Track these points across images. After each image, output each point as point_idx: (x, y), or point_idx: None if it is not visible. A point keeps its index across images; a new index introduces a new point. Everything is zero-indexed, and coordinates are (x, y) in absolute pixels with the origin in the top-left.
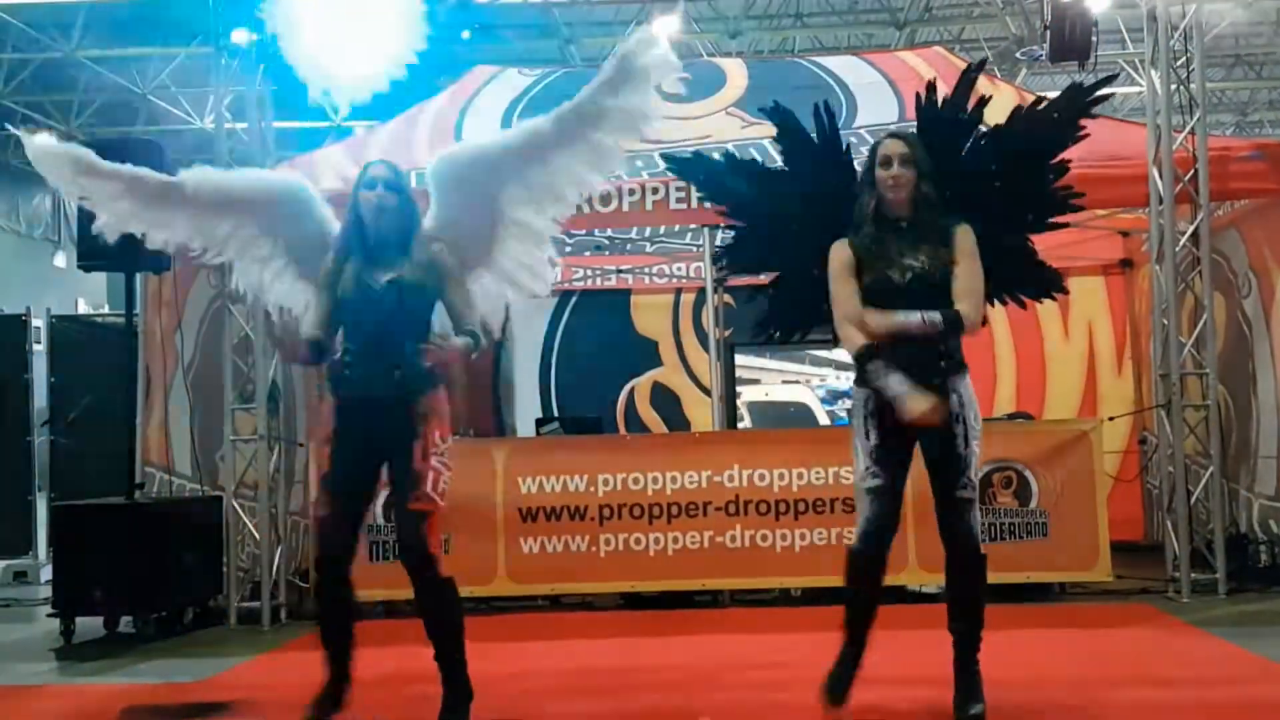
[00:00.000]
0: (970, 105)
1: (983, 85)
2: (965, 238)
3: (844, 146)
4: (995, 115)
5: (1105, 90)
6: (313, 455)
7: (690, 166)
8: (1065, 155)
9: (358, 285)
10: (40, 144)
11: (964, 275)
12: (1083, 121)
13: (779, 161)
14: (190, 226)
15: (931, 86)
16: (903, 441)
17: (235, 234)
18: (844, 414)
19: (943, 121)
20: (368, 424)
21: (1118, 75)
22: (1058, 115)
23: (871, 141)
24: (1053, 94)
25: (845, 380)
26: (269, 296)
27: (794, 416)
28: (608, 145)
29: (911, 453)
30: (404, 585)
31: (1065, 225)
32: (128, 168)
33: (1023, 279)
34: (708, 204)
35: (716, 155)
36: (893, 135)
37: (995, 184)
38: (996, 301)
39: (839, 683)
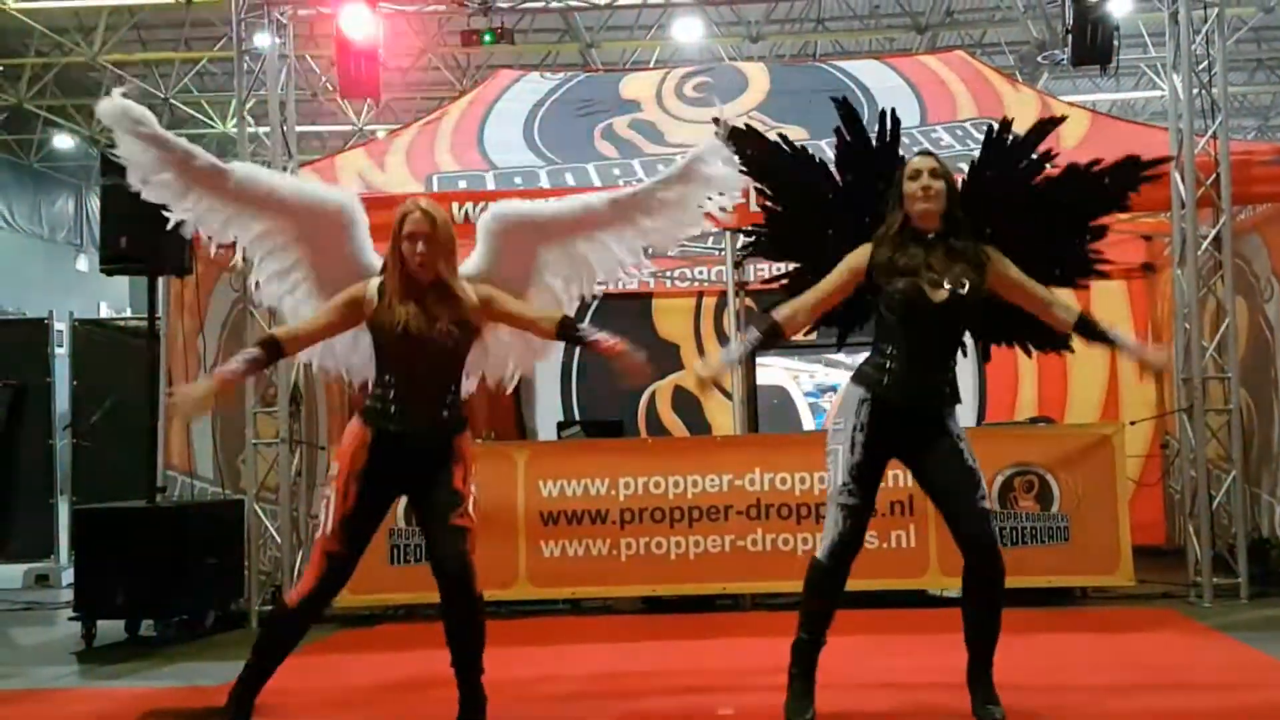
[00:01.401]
0: (1036, 153)
1: (1006, 95)
2: (1001, 260)
3: (899, 157)
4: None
5: (1158, 169)
6: (333, 487)
7: (743, 137)
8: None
9: (407, 330)
10: (114, 100)
11: (1030, 287)
12: (1103, 124)
13: (829, 155)
14: (224, 216)
15: (1006, 125)
16: (882, 462)
17: (266, 237)
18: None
19: (1006, 161)
20: (404, 461)
21: (1172, 160)
22: (1109, 182)
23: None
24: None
25: (834, 375)
26: (279, 304)
27: (775, 406)
28: (652, 237)
29: (883, 473)
30: (424, 589)
31: (1086, 287)
32: (183, 141)
33: (1034, 331)
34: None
35: (772, 135)
36: (922, 153)
37: (1033, 234)
38: (1003, 345)
39: (803, 701)
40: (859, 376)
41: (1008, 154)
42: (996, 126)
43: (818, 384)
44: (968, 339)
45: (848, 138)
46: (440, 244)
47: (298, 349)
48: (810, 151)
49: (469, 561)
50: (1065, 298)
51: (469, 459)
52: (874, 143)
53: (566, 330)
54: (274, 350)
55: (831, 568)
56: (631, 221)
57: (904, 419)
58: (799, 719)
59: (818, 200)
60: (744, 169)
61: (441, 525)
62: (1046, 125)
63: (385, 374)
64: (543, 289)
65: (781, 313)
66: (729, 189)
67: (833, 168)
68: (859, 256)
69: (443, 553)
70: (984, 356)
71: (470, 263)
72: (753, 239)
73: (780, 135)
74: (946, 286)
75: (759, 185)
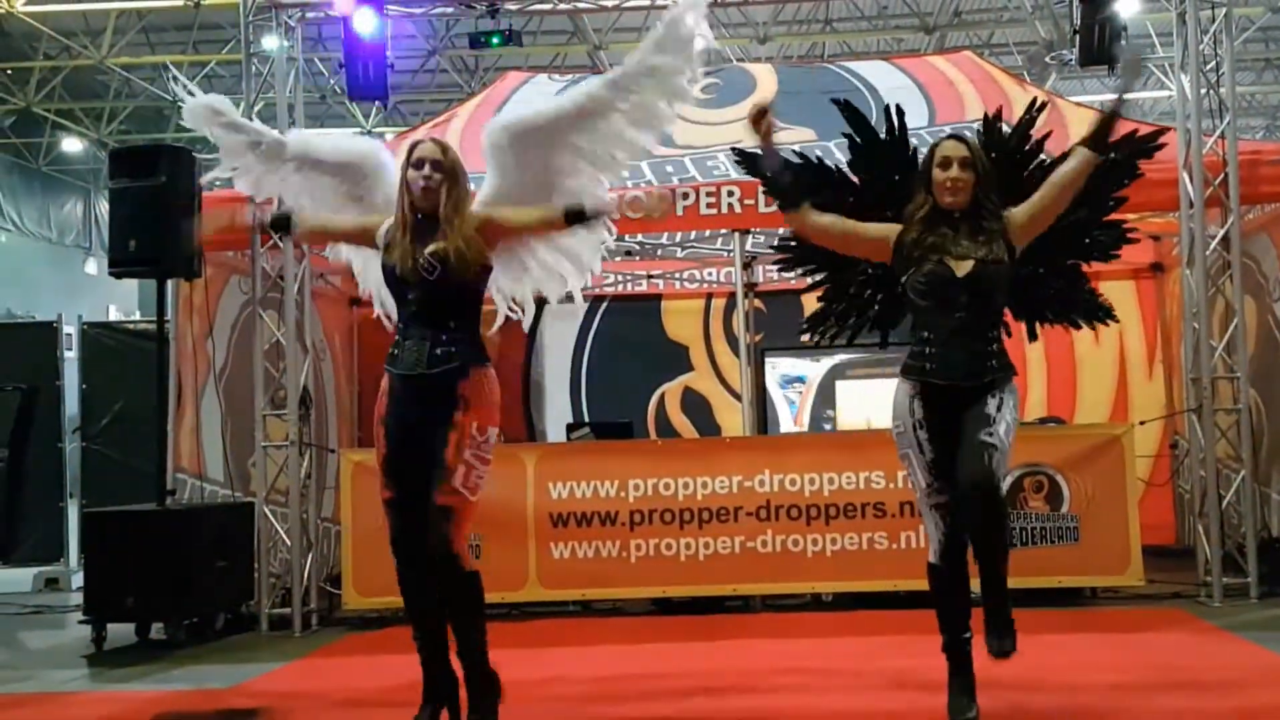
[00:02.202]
0: (1034, 136)
1: (1014, 95)
2: (1021, 208)
3: (911, 149)
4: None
5: (1161, 141)
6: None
7: (759, 163)
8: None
9: (403, 262)
10: (194, 99)
11: (1046, 187)
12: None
13: (840, 157)
14: (280, 178)
15: (997, 114)
16: (954, 445)
17: (316, 191)
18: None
19: (1005, 150)
20: (414, 402)
21: (1166, 131)
22: (1117, 155)
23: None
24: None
25: (800, 366)
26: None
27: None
28: (657, 105)
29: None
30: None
31: (1115, 256)
32: (253, 124)
33: (1075, 306)
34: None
35: (789, 154)
36: (953, 137)
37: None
38: (1045, 323)
39: (961, 699)
40: (904, 371)
41: (1004, 141)
42: (989, 116)
43: (782, 375)
44: (1011, 320)
45: (857, 139)
46: (446, 171)
47: (308, 235)
48: (821, 160)
49: (449, 543)
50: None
51: (483, 404)
52: (884, 138)
53: (574, 216)
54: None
55: (946, 568)
56: (630, 98)
57: (955, 398)
58: (960, 717)
59: (837, 206)
60: (765, 191)
61: (427, 503)
62: (1034, 109)
63: (397, 318)
64: (565, 194)
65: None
66: (703, 32)
67: (847, 171)
68: (891, 229)
69: (426, 536)
70: (1030, 336)
71: (485, 188)
72: (783, 254)
73: (797, 153)
74: (971, 258)
75: (781, 207)
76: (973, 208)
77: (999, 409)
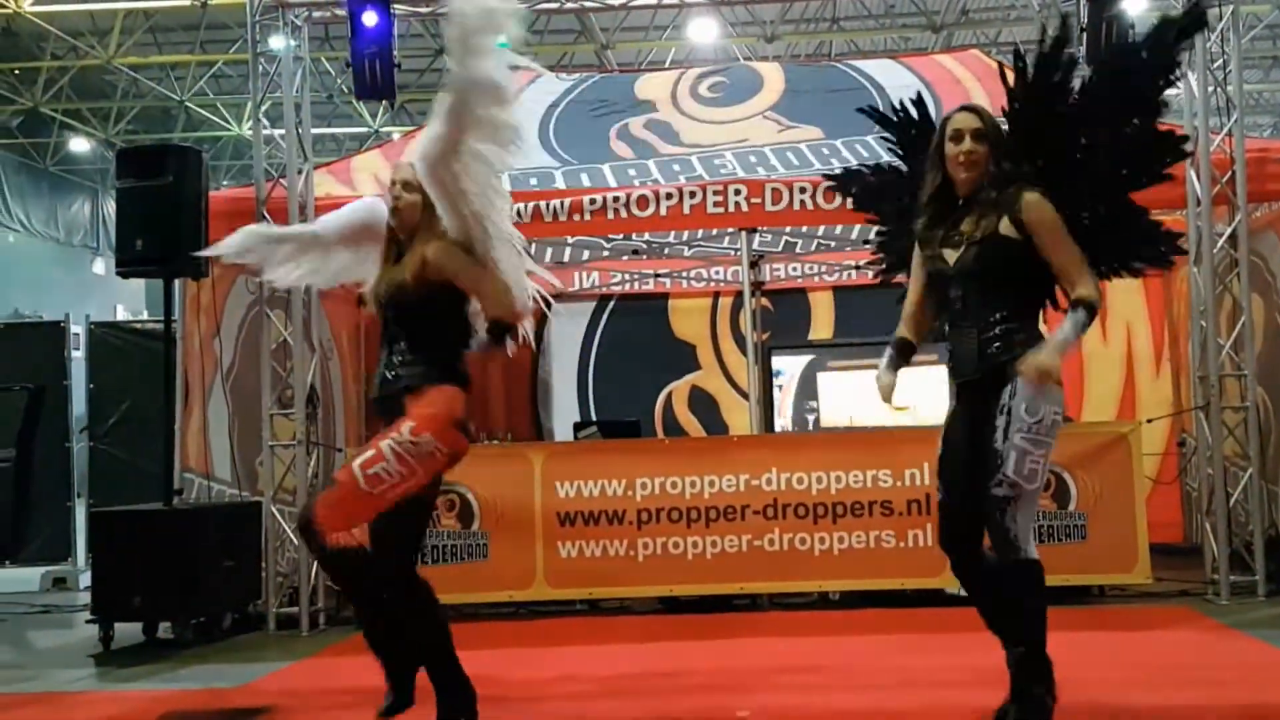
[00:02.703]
0: (1063, 65)
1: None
2: (1037, 208)
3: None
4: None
5: (1195, 14)
6: None
7: (845, 182)
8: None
9: (374, 287)
10: (231, 244)
11: (1054, 250)
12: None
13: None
14: (296, 263)
15: (1019, 54)
16: (964, 440)
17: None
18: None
19: (1035, 89)
20: (379, 424)
21: (1209, 8)
22: (1146, 55)
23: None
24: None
25: (777, 362)
26: None
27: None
28: (495, 118)
29: None
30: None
31: (1169, 177)
32: (291, 229)
33: (1138, 245)
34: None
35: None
36: (965, 108)
37: (1091, 143)
38: (1111, 275)
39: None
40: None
41: (1034, 84)
42: (1010, 66)
43: None
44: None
45: (895, 132)
46: (418, 190)
47: None
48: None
49: (313, 511)
50: (1077, 273)
51: (424, 415)
52: (916, 126)
53: (495, 329)
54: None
55: (953, 566)
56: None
57: (972, 392)
58: None
59: (900, 203)
60: (853, 207)
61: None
62: (1066, 26)
63: None
64: (484, 224)
65: (901, 330)
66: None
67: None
68: (918, 250)
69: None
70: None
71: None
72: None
73: (875, 164)
74: (963, 244)
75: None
76: (984, 190)
77: (1008, 412)
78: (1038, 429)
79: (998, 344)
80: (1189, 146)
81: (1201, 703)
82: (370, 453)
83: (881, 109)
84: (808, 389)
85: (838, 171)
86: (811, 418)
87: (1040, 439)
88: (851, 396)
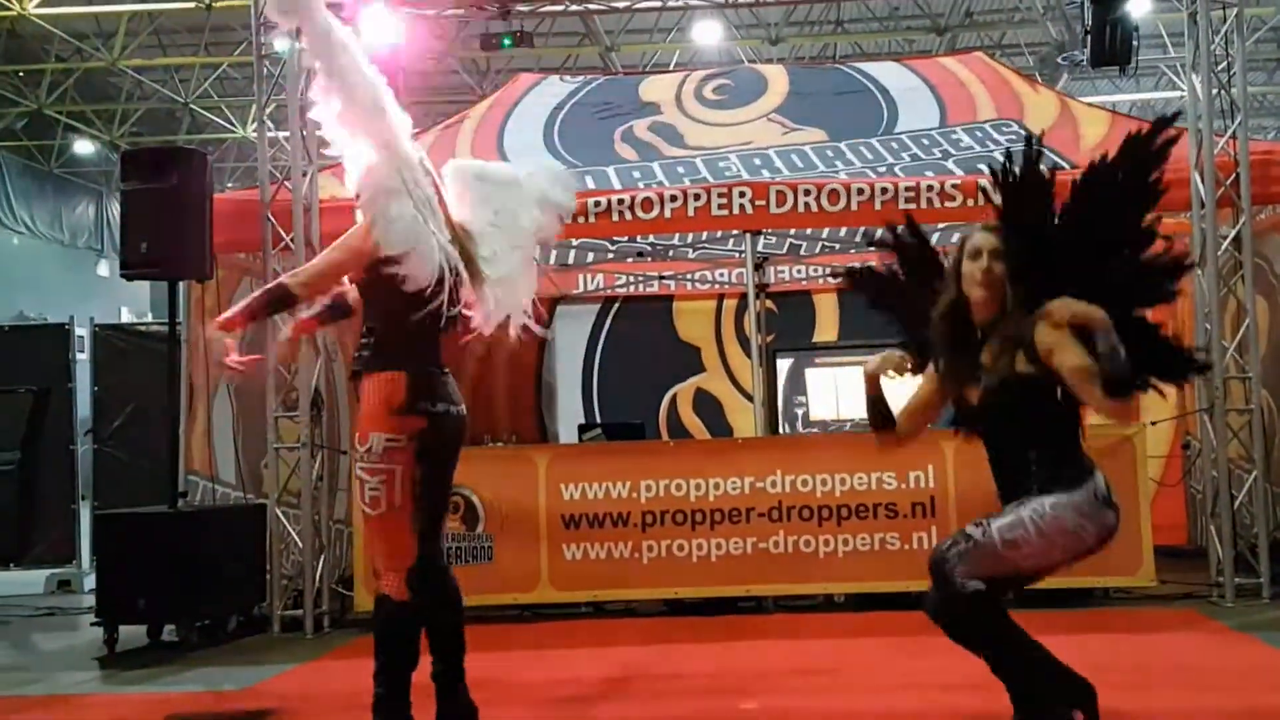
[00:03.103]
0: (1040, 183)
1: (1025, 96)
2: (1048, 330)
3: (937, 254)
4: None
5: (1167, 135)
6: None
7: (858, 281)
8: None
9: None
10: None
11: (1065, 359)
12: (1123, 125)
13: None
14: None
15: (1000, 172)
16: None
17: None
18: None
19: (1020, 210)
20: None
21: (1175, 117)
22: (1122, 175)
23: (914, 148)
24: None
25: None
26: None
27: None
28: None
29: None
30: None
31: (1175, 296)
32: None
33: (1153, 362)
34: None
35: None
36: (985, 228)
37: (1087, 263)
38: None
39: None
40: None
41: (1022, 199)
42: (995, 184)
43: None
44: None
45: (895, 254)
46: None
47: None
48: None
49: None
50: (1086, 382)
51: (369, 413)
52: (915, 247)
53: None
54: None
55: None
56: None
57: None
58: None
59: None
60: (869, 306)
61: None
62: (1034, 144)
63: None
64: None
65: (898, 414)
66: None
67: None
68: (930, 373)
69: None
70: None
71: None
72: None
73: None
74: (983, 383)
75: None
76: (999, 318)
77: (1035, 493)
78: (1050, 520)
79: (1032, 484)
80: (1191, 260)
81: (1206, 705)
82: (357, 485)
83: (878, 235)
84: (796, 385)
85: (852, 267)
86: (800, 412)
87: (1045, 529)
88: (838, 391)
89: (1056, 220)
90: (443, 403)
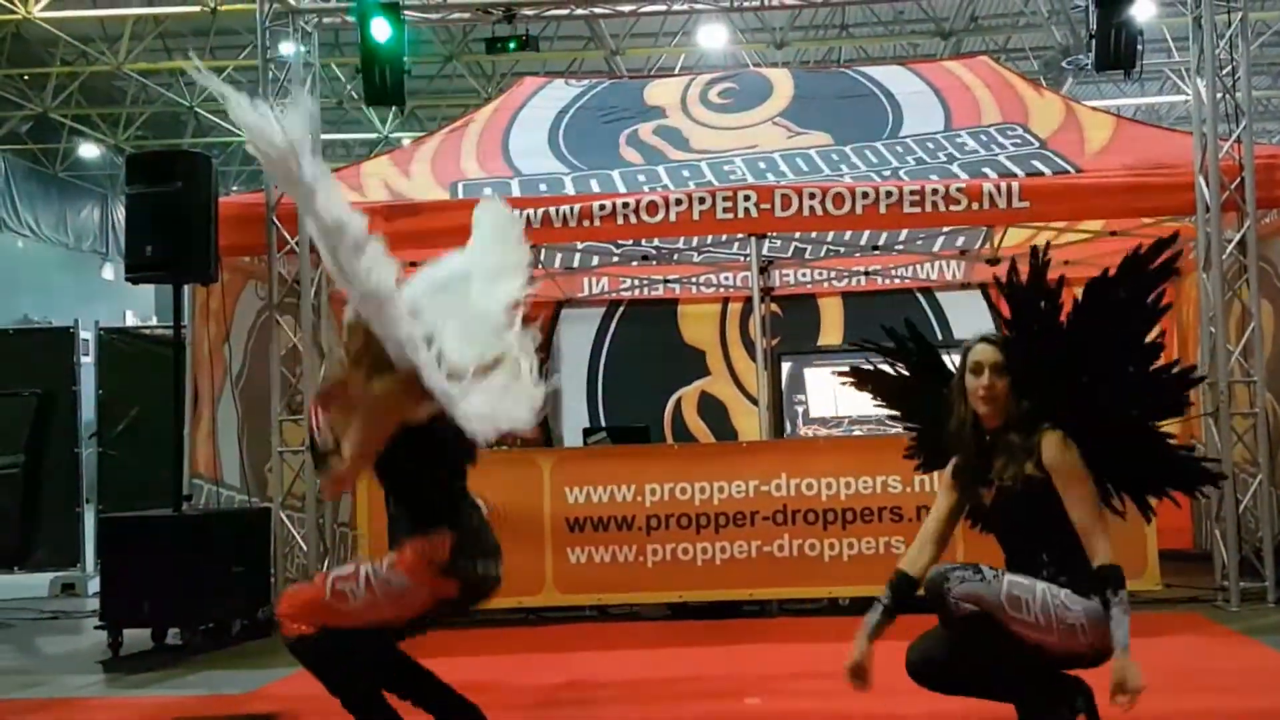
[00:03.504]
0: (1049, 291)
1: (1030, 100)
2: (1056, 451)
3: (940, 360)
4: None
5: (1166, 255)
6: None
7: (864, 379)
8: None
9: None
10: None
11: (1070, 501)
12: (1127, 129)
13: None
14: None
15: (1012, 276)
16: None
17: None
18: None
19: (1029, 317)
20: None
21: (1175, 238)
22: (1124, 295)
23: (919, 152)
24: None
25: None
26: None
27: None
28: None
29: None
30: None
31: (1186, 408)
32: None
33: (1164, 474)
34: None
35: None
36: (983, 340)
37: (1096, 373)
38: (1133, 500)
39: None
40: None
41: (1027, 312)
42: (1002, 298)
43: None
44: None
45: (898, 357)
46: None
47: None
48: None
49: (283, 602)
50: (1096, 533)
51: (404, 557)
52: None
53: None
54: None
55: None
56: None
57: None
58: None
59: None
60: (874, 404)
61: None
62: (1041, 256)
63: None
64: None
65: (905, 560)
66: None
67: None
68: (947, 473)
69: None
70: (1145, 516)
71: None
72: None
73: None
74: (994, 485)
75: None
76: (1006, 427)
77: (1038, 580)
78: (1058, 609)
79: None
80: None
81: (1211, 709)
82: (350, 569)
83: (880, 341)
84: (796, 384)
85: (860, 369)
86: (800, 410)
87: (1051, 614)
88: (837, 390)
89: (1067, 324)
90: (483, 561)
